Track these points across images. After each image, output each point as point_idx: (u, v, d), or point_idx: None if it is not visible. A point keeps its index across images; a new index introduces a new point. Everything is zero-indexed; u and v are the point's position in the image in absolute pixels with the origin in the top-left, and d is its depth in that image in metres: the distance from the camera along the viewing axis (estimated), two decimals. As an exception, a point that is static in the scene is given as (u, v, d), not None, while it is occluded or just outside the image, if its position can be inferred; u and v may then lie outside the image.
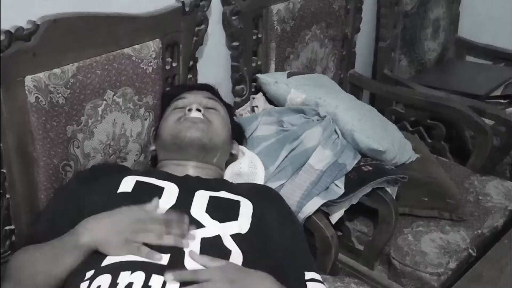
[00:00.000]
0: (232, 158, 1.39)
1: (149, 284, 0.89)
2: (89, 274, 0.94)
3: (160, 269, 0.92)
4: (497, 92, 2.17)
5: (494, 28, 2.40)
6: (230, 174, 1.39)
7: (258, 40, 1.69)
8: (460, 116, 1.85)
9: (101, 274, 0.92)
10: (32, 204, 1.22)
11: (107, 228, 0.99)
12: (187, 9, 1.42)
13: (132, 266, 0.92)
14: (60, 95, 1.19)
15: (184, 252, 0.97)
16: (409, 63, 2.29)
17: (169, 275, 0.91)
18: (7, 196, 1.18)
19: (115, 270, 0.92)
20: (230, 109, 1.46)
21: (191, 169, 1.24)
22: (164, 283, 0.90)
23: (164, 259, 0.95)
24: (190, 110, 1.28)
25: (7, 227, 1.20)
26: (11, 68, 1.11)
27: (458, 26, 2.50)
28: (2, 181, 1.16)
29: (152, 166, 1.43)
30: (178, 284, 0.90)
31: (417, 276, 1.45)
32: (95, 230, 0.99)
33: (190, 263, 0.96)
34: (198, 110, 1.28)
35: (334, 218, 1.45)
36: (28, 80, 1.14)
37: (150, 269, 0.92)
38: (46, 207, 1.22)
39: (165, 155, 1.29)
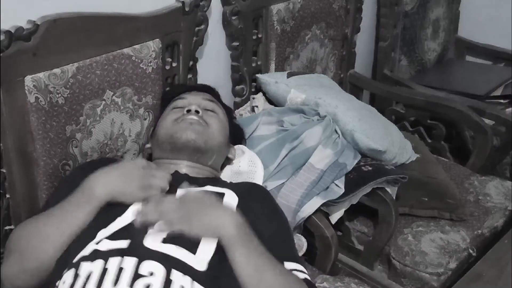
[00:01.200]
0: (229, 161, 1.39)
1: (106, 267, 0.92)
2: (64, 272, 0.96)
3: (118, 253, 0.95)
4: (497, 92, 2.17)
5: (494, 28, 2.40)
6: (230, 172, 1.39)
7: (258, 40, 1.69)
8: (460, 116, 1.85)
9: (69, 269, 0.95)
10: (32, 204, 1.22)
11: (119, 179, 1.06)
12: (187, 9, 1.42)
13: (92, 257, 0.95)
14: (59, 95, 1.19)
15: (143, 236, 0.98)
16: (409, 63, 2.29)
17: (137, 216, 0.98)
18: (7, 196, 1.18)
19: (78, 263, 0.95)
20: (230, 112, 1.45)
21: (185, 168, 1.24)
22: (121, 262, 0.93)
23: (125, 243, 0.97)
24: (188, 111, 1.27)
25: (7, 227, 1.20)
26: (11, 68, 1.11)
27: (458, 26, 2.50)
28: (2, 181, 1.17)
29: None
30: (134, 261, 0.93)
31: (417, 276, 1.45)
32: (108, 182, 1.04)
33: (150, 245, 0.97)
34: (197, 111, 1.27)
35: (334, 218, 1.45)
36: (28, 80, 1.14)
37: (108, 255, 0.94)
38: (48, 198, 1.22)
39: (160, 154, 1.29)
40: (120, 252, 0.95)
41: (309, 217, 1.36)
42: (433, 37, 2.36)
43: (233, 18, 1.58)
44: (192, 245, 0.97)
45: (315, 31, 1.83)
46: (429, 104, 1.91)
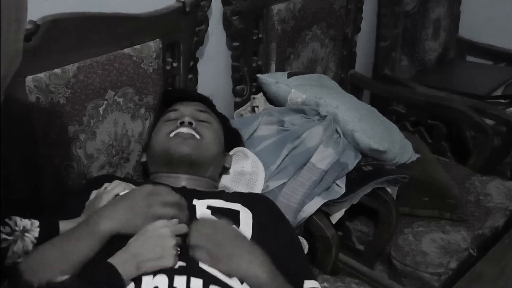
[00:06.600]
0: (225, 170, 1.38)
1: (174, 285, 0.91)
2: None
3: (181, 271, 0.94)
4: (498, 92, 2.17)
5: (495, 28, 2.40)
6: (233, 173, 1.38)
7: (258, 40, 1.69)
8: (460, 116, 1.85)
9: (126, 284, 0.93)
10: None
11: (124, 212, 1.01)
12: (187, 9, 1.42)
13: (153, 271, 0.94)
14: (61, 95, 1.19)
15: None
16: (410, 63, 2.29)
17: None
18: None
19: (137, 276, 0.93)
20: (225, 121, 1.43)
21: (184, 181, 1.24)
22: (188, 282, 0.92)
23: (181, 263, 0.96)
24: (182, 123, 1.27)
25: (8, 227, 1.20)
26: (11, 68, 1.11)
27: (458, 26, 2.50)
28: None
29: (144, 177, 1.42)
30: (201, 282, 0.92)
31: (418, 276, 1.45)
32: (112, 217, 1.01)
33: (206, 266, 0.97)
34: (190, 123, 1.27)
35: (335, 218, 1.45)
36: (29, 80, 1.14)
37: (171, 271, 0.93)
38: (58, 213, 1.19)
39: (157, 168, 1.29)
40: (182, 271, 0.94)
41: (310, 217, 1.36)
42: (434, 37, 2.36)
43: (234, 18, 1.58)
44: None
45: (316, 31, 1.83)
46: (429, 104, 1.91)
